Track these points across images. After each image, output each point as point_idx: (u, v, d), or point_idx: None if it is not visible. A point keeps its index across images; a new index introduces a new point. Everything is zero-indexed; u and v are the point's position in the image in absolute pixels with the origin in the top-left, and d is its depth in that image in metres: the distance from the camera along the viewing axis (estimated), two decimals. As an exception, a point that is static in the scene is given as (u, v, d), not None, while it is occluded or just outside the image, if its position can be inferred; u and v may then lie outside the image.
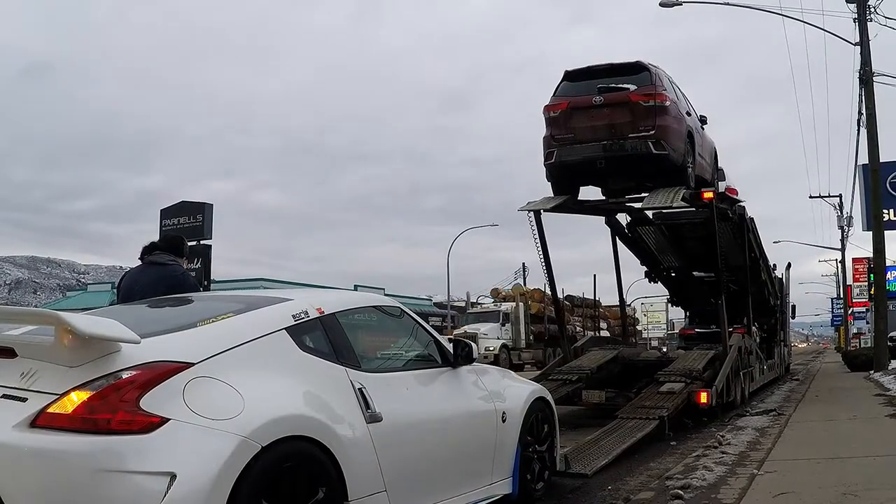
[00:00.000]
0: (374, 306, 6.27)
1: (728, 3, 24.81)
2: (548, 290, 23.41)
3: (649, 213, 17.66)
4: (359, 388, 4.99)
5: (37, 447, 3.72)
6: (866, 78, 25.06)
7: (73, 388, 3.84)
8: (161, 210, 26.73)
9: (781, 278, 27.52)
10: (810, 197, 55.20)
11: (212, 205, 25.30)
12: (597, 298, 36.28)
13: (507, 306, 42.88)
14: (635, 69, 14.75)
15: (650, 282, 23.07)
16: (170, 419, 3.87)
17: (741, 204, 17.22)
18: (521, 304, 42.38)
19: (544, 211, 15.66)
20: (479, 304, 46.57)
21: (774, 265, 25.50)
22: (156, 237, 12.12)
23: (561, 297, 27.78)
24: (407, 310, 6.49)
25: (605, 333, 35.69)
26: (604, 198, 16.60)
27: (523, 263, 73.59)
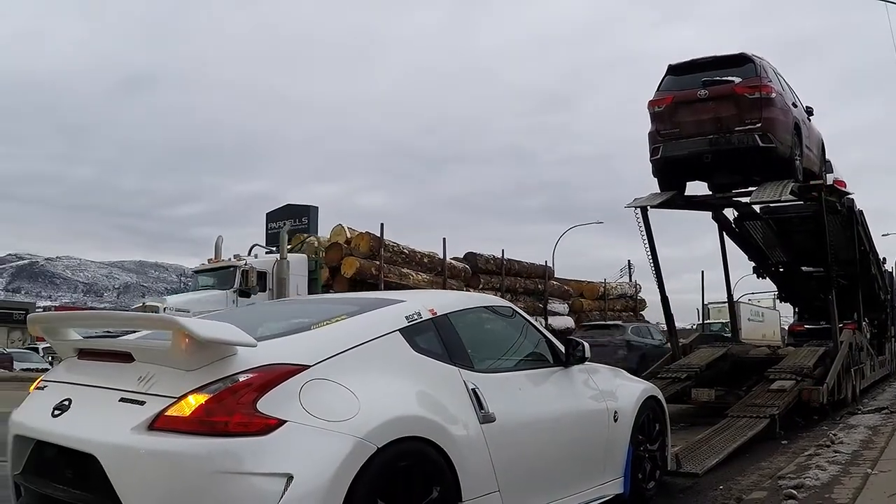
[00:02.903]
0: (485, 307, 6.28)
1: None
2: (398, 243, 24.82)
3: (756, 208, 17.41)
4: (472, 389, 5.00)
5: (155, 449, 3.79)
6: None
7: (191, 392, 3.91)
8: (267, 213, 27.29)
9: (892, 272, 26.90)
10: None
11: (317, 207, 26.03)
12: (548, 265, 33.48)
13: (264, 260, 25.85)
14: (739, 61, 14.54)
15: (758, 277, 22.72)
16: (286, 421, 3.91)
17: (850, 196, 16.88)
18: (307, 256, 26.49)
19: (651, 207, 15.53)
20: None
21: (884, 258, 24.92)
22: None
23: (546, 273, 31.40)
24: (518, 309, 6.51)
25: (559, 316, 32.85)
26: (710, 193, 16.39)
27: (629, 261, 72.95)
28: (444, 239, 26.60)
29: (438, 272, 26.52)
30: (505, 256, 30.55)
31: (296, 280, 24.48)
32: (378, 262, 23.78)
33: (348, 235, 24.67)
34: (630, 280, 41.28)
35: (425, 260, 26.56)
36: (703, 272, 30.62)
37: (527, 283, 32.05)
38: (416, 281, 25.40)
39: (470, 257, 29.67)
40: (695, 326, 57.09)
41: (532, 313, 25.25)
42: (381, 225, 24.15)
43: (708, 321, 53.41)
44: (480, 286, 28.41)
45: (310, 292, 24.31)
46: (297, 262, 25.28)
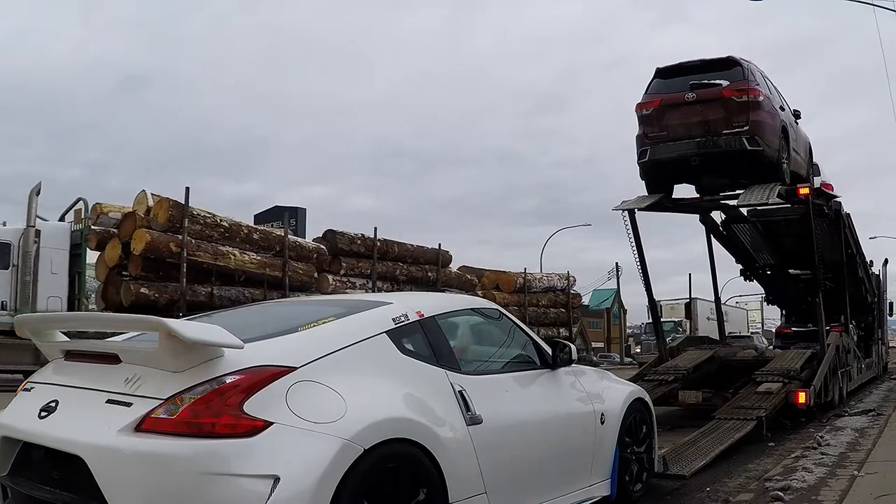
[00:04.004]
0: (472, 308, 6.33)
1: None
2: (203, 212, 19.63)
3: (744, 211, 17.48)
4: (459, 391, 5.01)
5: (142, 451, 3.79)
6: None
7: (178, 393, 3.91)
8: (255, 215, 27.25)
9: (879, 275, 26.98)
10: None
11: (304, 209, 25.85)
12: (443, 249, 27.90)
13: (10, 230, 19.75)
14: (727, 64, 14.61)
15: (746, 280, 22.82)
16: (273, 423, 3.91)
17: (837, 199, 16.95)
18: (72, 226, 20.76)
19: (638, 210, 15.57)
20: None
21: (871, 261, 25.02)
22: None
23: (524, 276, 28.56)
24: (505, 311, 6.52)
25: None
26: (698, 196, 16.45)
27: (616, 263, 73.13)
28: (286, 213, 23.95)
29: (277, 252, 21.72)
30: (381, 236, 25.53)
31: (51, 255, 19.44)
32: (181, 237, 18.95)
33: (150, 204, 19.84)
34: (565, 274, 35.98)
35: (255, 236, 21.56)
36: (690, 275, 31.00)
37: (412, 271, 27.08)
38: (241, 262, 20.68)
39: (329, 236, 24.60)
40: (643, 325, 56.54)
41: None
42: (187, 189, 19.42)
43: (662, 319, 53.28)
44: (343, 272, 24.38)
45: (71, 270, 19.95)
46: (55, 233, 20.00)
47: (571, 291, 36.09)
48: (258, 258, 21.09)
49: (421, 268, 27.38)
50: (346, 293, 21.84)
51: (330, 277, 23.76)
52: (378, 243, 25.22)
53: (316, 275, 23.12)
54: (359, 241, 24.88)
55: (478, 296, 26.94)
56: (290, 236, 22.83)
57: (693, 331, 46.30)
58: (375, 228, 25.19)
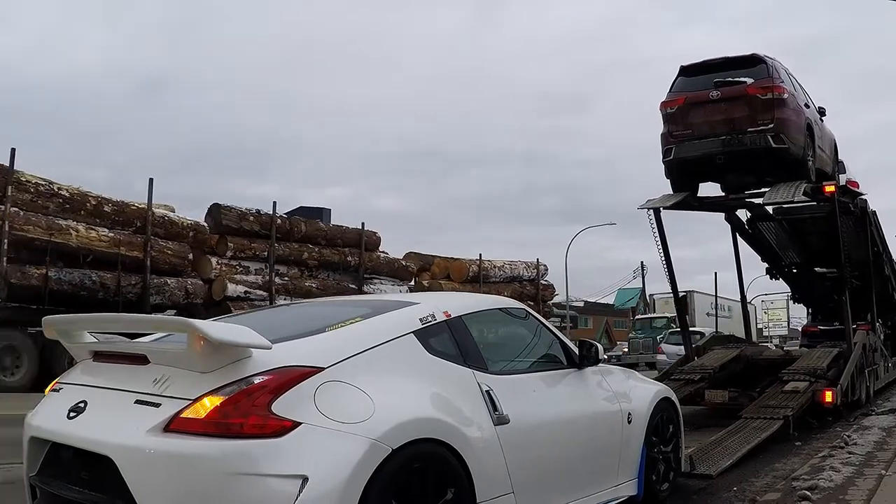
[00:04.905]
0: (499, 308, 6.31)
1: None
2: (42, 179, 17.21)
3: (769, 209, 17.39)
4: (486, 391, 5.01)
5: (170, 451, 3.80)
6: None
7: (206, 394, 3.92)
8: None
9: (905, 273, 26.79)
10: (932, 189, 53.09)
11: (329, 209, 25.63)
12: (369, 230, 24.85)
13: None
14: (751, 62, 14.53)
15: (771, 279, 22.67)
16: (301, 423, 3.92)
17: (863, 197, 16.81)
18: None
19: (664, 209, 15.54)
20: None
21: (897, 259, 24.81)
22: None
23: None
24: (531, 311, 6.52)
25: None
26: (723, 194, 16.38)
27: (641, 262, 72.95)
28: (151, 179, 19.61)
29: (138, 229, 19.01)
30: (281, 213, 22.70)
31: None
32: (4, 207, 16.27)
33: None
34: (534, 262, 31.74)
35: (107, 209, 18.56)
36: (715, 273, 30.79)
37: (326, 254, 23.51)
38: (87, 239, 17.83)
39: (214, 211, 21.41)
40: (633, 320, 55.50)
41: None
42: (12, 151, 16.93)
43: (652, 315, 50.81)
44: (230, 253, 21.36)
45: None
46: None
47: (542, 282, 32.20)
48: (111, 235, 18.30)
49: (338, 251, 23.90)
50: (235, 279, 20.89)
51: (213, 260, 20.96)
52: (278, 220, 22.10)
53: (191, 256, 20.52)
54: (251, 218, 21.67)
55: (423, 285, 26.61)
56: (157, 209, 19.87)
57: (750, 333, 45.69)
58: (274, 203, 21.98)
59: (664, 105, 14.93)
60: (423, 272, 27.70)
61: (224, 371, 4.02)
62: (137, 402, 4.11)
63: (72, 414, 4.34)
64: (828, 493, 7.05)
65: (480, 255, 28.82)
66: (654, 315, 49.53)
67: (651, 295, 61.74)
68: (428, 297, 6.09)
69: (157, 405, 4.01)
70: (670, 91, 15.02)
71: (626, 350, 45.19)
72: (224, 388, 3.93)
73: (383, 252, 26.10)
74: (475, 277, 28.32)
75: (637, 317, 55.47)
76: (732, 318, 37.73)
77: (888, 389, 19.41)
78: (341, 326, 4.80)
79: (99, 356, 4.85)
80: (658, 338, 43.58)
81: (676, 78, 15.12)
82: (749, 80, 14.17)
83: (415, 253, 28.13)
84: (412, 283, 26.96)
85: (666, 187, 15.61)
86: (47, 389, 5.04)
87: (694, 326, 42.81)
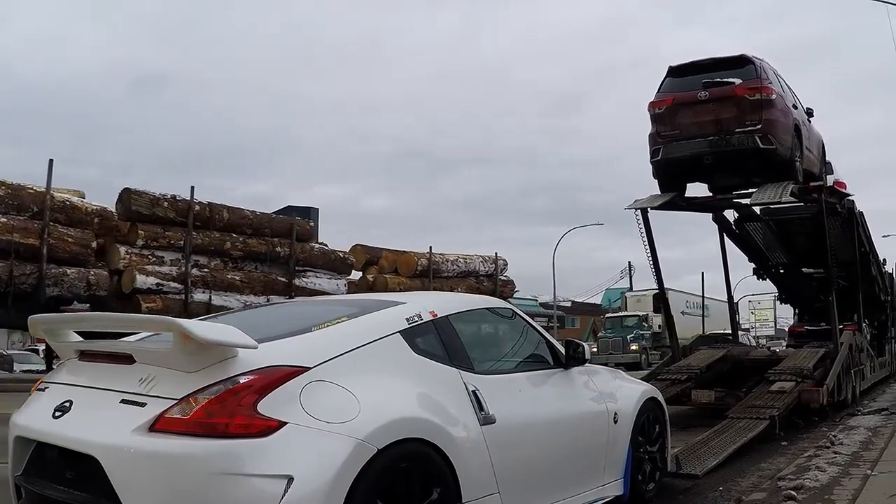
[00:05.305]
0: (485, 308, 6.30)
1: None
2: None
3: (757, 209, 17.44)
4: (472, 391, 5.01)
5: (156, 451, 3.80)
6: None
7: (192, 394, 3.92)
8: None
9: (892, 273, 26.89)
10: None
11: (317, 209, 25.43)
12: (302, 220, 23.16)
13: None
14: (740, 63, 14.59)
15: (758, 279, 22.81)
16: (287, 423, 3.92)
17: (850, 198, 16.87)
18: None
19: (651, 209, 15.58)
20: None
21: (884, 260, 24.92)
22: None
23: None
24: (518, 311, 6.53)
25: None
26: (711, 194, 16.44)
27: (629, 262, 73.07)
28: (51, 161, 17.91)
29: (35, 214, 17.34)
30: (199, 199, 20.17)
31: None
32: None
33: None
34: (492, 256, 29.16)
35: None
36: (703, 273, 30.71)
37: (252, 244, 21.32)
38: None
39: (125, 196, 19.19)
40: (604, 319, 54.52)
41: (267, 291, 20.05)
42: None
43: (623, 313, 49.19)
44: (141, 242, 19.20)
45: None
46: None
47: (501, 278, 29.32)
48: (2, 220, 16.69)
49: (266, 241, 21.67)
50: (147, 270, 18.86)
51: (122, 249, 18.97)
52: (197, 207, 19.88)
53: (95, 244, 18.48)
54: (166, 204, 19.39)
55: (368, 280, 25.06)
56: (59, 194, 18.25)
57: (664, 326, 44.70)
58: (192, 188, 20.00)
59: (652, 105, 14.97)
60: (370, 266, 26.24)
61: (210, 371, 4.01)
62: (123, 401, 4.10)
63: (57, 413, 4.33)
64: (813, 492, 7.07)
65: (431, 248, 26.71)
66: (625, 313, 48.17)
67: (623, 292, 61.43)
68: (415, 297, 6.08)
69: (142, 405, 4.00)
70: (659, 91, 15.06)
71: (594, 350, 44.13)
72: (210, 388, 3.92)
73: (321, 243, 24.45)
74: (425, 272, 26.37)
75: (607, 315, 54.43)
76: (710, 317, 37.56)
77: (874, 389, 19.50)
78: (327, 326, 4.79)
79: (85, 355, 4.82)
80: (629, 337, 43.09)
81: (665, 78, 15.16)
82: (737, 81, 14.21)
83: (362, 245, 26.49)
84: (356, 276, 25.70)
85: (656, 187, 15.65)
86: (33, 388, 5.02)
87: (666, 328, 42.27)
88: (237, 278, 20.75)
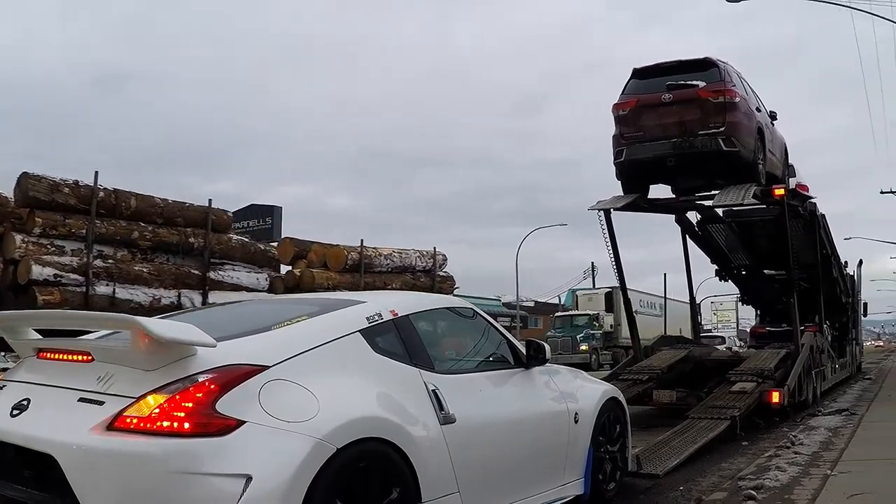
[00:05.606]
0: (446, 308, 6.30)
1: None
2: None
3: (720, 211, 17.57)
4: (432, 390, 5.01)
5: (114, 450, 3.78)
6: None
7: (150, 392, 3.91)
8: (231, 213, 26.22)
9: (853, 275, 27.15)
10: (881, 192, 53.70)
11: (280, 207, 25.24)
12: (218, 209, 19.33)
13: None
14: (704, 66, 14.68)
15: (721, 280, 22.93)
16: (246, 422, 3.91)
17: (812, 200, 17.02)
18: None
19: (614, 210, 15.64)
20: None
21: (846, 262, 25.17)
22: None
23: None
24: (479, 311, 6.52)
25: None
26: (674, 196, 16.53)
27: (592, 263, 73.22)
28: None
29: None
30: (104, 185, 16.68)
31: None
32: None
33: None
34: (430, 251, 24.99)
35: None
36: (665, 275, 30.80)
37: (163, 234, 18.22)
38: None
39: (22, 181, 16.16)
40: (553, 318, 54.00)
41: (179, 284, 16.58)
42: None
43: (574, 312, 48.41)
44: (38, 230, 15.86)
45: None
46: None
47: (440, 273, 25.68)
48: None
49: (179, 231, 18.41)
50: (44, 260, 17.04)
51: (18, 238, 15.65)
52: (101, 193, 16.72)
53: None
54: (67, 189, 16.26)
55: (295, 274, 21.82)
56: None
57: (615, 326, 43.71)
58: (96, 173, 16.74)
59: (616, 107, 15.02)
60: (299, 259, 25.12)
61: (168, 369, 4.00)
62: (81, 399, 4.08)
63: (14, 412, 4.29)
64: (773, 492, 7.13)
65: (362, 241, 25.42)
66: (576, 312, 47.46)
67: (574, 291, 61.27)
68: (375, 296, 6.07)
69: (100, 403, 3.99)
70: (623, 93, 15.12)
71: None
72: (168, 387, 3.91)
73: (238, 235, 23.27)
74: (356, 266, 24.60)
75: (556, 314, 53.74)
76: (662, 316, 37.34)
77: (835, 390, 19.70)
78: (287, 325, 4.78)
79: (43, 353, 4.79)
80: (578, 337, 42.45)
81: (629, 80, 15.22)
82: (701, 84, 14.31)
83: (291, 238, 23.33)
84: (280, 271, 23.04)
85: (620, 189, 15.69)
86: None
87: (619, 326, 41.96)
88: (146, 270, 18.21)
